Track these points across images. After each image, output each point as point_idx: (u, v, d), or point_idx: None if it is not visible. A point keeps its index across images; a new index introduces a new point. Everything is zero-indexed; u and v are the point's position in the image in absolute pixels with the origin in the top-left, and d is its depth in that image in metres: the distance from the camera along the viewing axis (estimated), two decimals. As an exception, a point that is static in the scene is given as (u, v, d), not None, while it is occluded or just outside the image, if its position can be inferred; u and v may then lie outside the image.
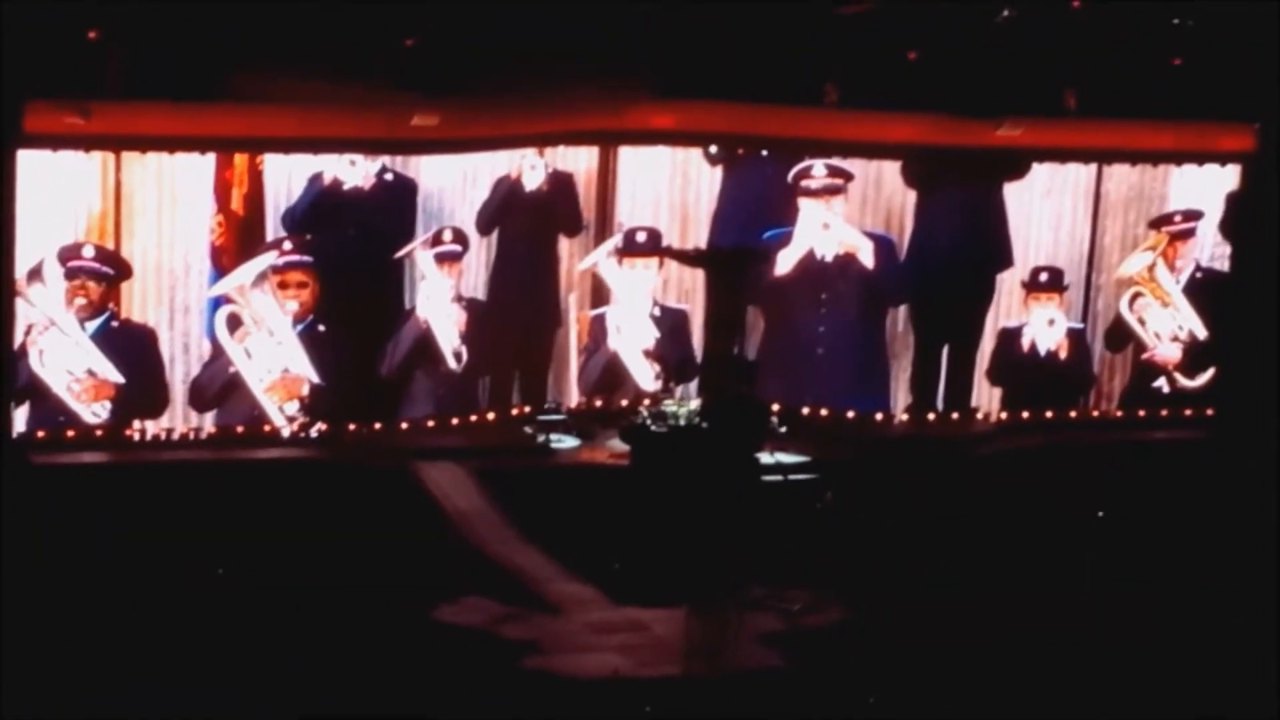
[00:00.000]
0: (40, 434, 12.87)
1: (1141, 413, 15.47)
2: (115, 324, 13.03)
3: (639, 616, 11.00)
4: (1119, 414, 15.48)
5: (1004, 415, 15.11)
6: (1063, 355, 15.14)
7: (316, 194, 13.39)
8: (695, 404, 12.59)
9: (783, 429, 13.60)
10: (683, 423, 12.40)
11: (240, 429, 13.32)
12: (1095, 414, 15.45)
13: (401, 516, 12.40)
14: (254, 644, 10.14)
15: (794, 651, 10.63)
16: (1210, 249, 15.54)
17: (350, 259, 13.49)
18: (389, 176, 13.60)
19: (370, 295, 13.60)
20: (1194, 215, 15.39)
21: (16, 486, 11.68)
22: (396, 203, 13.64)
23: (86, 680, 9.53)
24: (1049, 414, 15.19)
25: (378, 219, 13.58)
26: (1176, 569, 11.98)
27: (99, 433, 13.01)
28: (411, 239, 13.66)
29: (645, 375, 14.58)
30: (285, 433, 13.38)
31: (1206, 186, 15.40)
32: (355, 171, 13.47)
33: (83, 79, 12.34)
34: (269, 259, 13.23)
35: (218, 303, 13.21)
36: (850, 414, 14.75)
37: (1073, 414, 15.35)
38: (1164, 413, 15.49)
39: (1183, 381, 15.55)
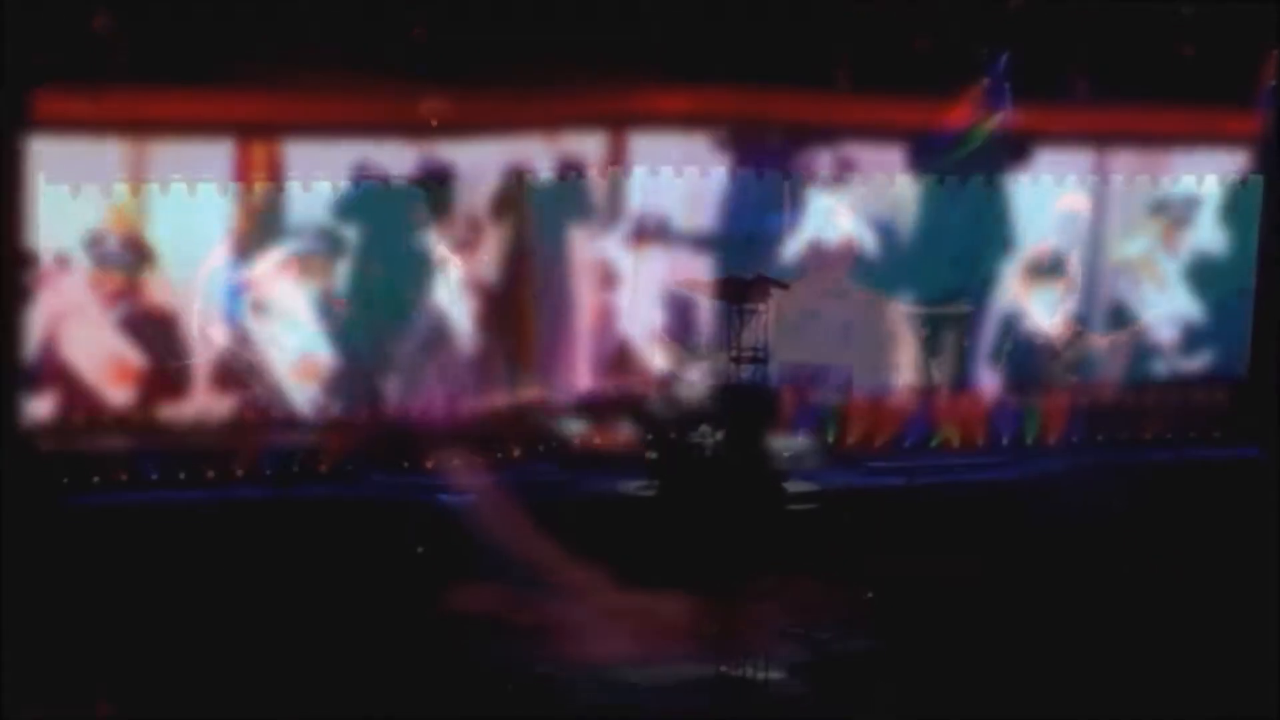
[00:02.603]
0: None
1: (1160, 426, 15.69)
2: (140, 309, 13.29)
3: (652, 605, 11.20)
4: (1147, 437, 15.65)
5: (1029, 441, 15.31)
6: (1062, 338, 15.38)
7: (364, 183, 13.63)
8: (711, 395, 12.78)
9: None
10: (708, 453, 12.65)
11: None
12: (1124, 436, 15.56)
13: (412, 504, 12.64)
14: (267, 632, 10.43)
15: (806, 644, 10.90)
16: (1208, 235, 15.76)
17: (392, 247, 13.74)
18: (432, 164, 13.83)
19: (397, 282, 13.88)
20: (1192, 201, 15.61)
21: (24, 475, 11.94)
22: (439, 190, 13.89)
23: (91, 678, 9.82)
24: (1072, 438, 15.38)
25: (421, 206, 13.81)
26: (1194, 573, 12.26)
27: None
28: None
29: (656, 359, 14.76)
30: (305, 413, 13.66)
31: (1204, 172, 15.63)
32: (401, 160, 13.71)
33: (93, 64, 12.46)
34: (292, 245, 13.47)
35: (240, 288, 13.47)
36: (858, 397, 15.04)
37: (1099, 438, 15.48)
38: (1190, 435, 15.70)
39: (1179, 363, 15.81)
